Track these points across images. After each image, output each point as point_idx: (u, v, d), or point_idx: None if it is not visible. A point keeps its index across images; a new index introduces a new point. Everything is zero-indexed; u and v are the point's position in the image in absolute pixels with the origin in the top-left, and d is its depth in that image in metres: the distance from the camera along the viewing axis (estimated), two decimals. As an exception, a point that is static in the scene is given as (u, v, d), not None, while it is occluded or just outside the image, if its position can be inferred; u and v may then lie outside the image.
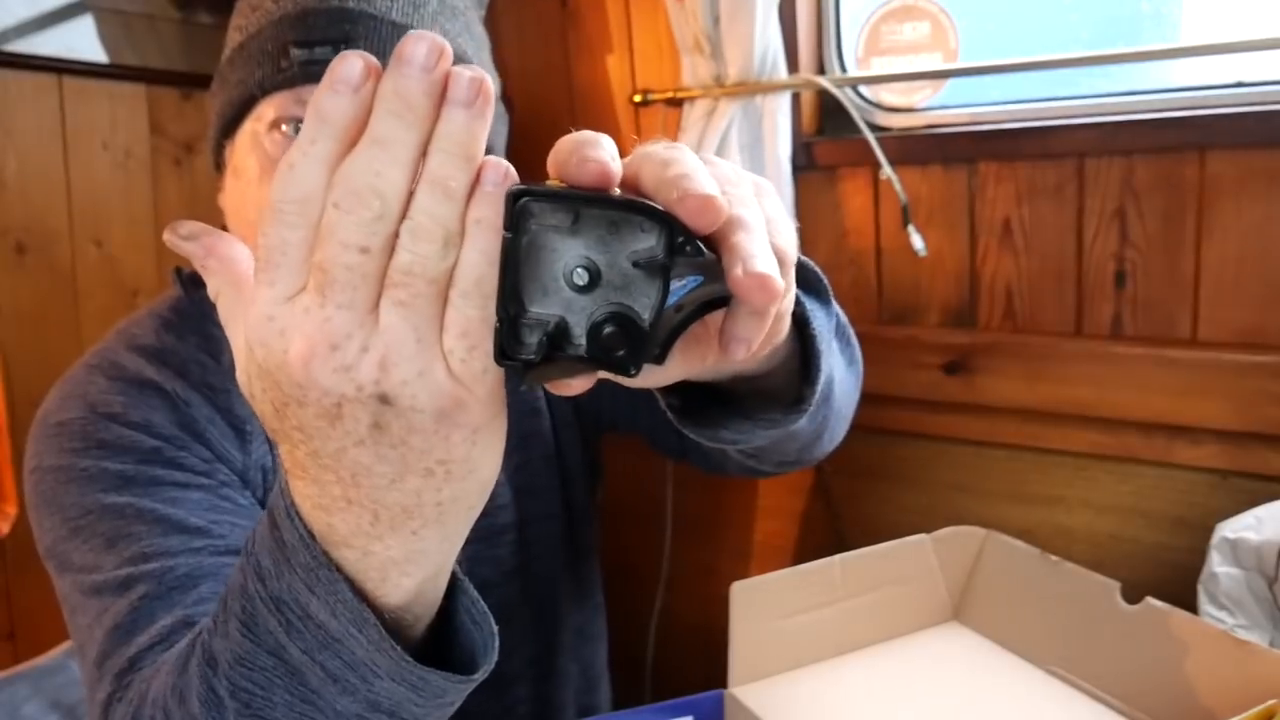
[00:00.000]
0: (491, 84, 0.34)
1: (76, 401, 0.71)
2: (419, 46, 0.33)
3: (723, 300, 0.39)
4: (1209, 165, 0.88)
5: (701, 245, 0.36)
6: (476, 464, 0.38)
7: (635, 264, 0.36)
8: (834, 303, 0.66)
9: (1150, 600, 0.74)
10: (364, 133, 0.34)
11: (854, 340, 0.76)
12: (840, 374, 0.68)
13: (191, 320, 0.78)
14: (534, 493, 0.87)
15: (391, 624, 0.40)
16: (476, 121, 0.34)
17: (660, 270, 0.36)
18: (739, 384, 0.55)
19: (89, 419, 0.69)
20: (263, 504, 0.71)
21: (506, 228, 0.35)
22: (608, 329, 0.36)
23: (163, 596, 0.59)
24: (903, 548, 0.87)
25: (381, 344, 0.34)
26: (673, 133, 1.20)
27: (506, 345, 0.35)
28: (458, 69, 0.34)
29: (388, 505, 0.37)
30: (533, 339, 0.36)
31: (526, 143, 1.46)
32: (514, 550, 0.85)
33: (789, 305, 0.46)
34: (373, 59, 0.34)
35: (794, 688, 0.80)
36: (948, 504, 1.05)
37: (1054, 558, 0.83)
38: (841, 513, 1.15)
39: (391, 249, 0.34)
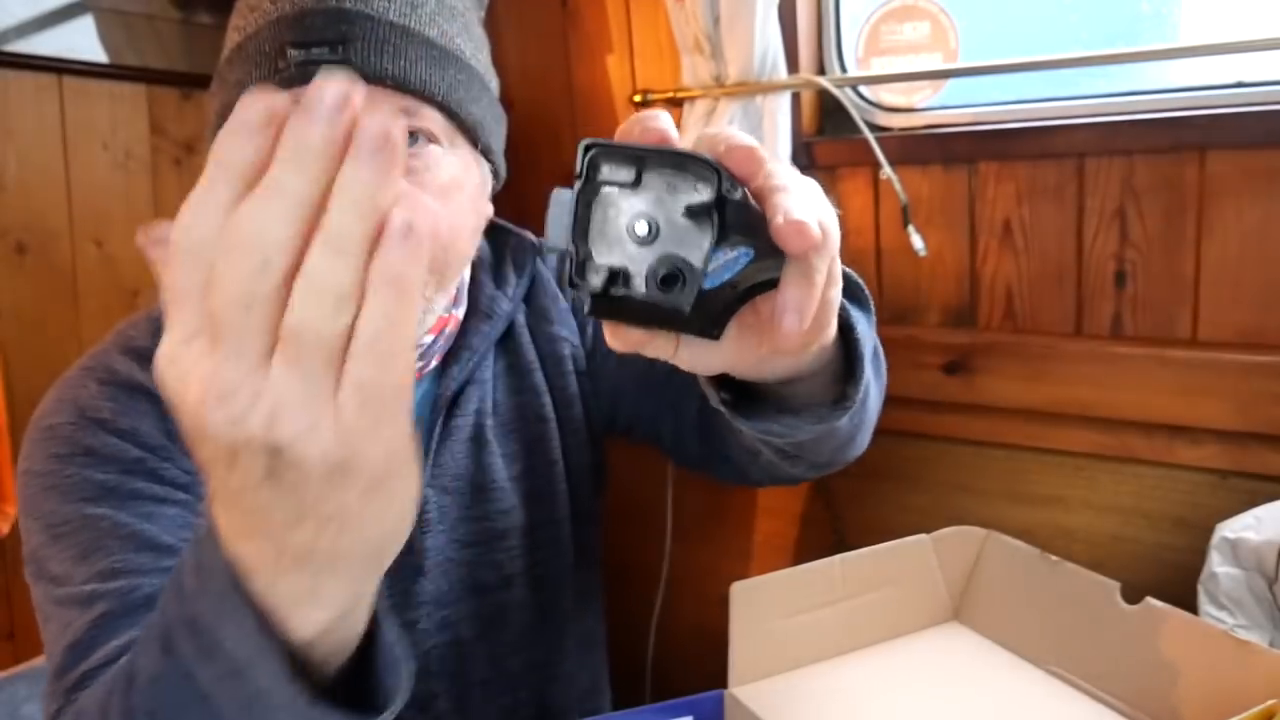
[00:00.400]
0: (399, 135, 0.33)
1: (68, 405, 0.71)
2: (325, 90, 0.32)
3: (773, 282, 0.42)
4: (1209, 165, 0.88)
5: (748, 196, 0.40)
6: (373, 519, 0.36)
7: (689, 215, 0.40)
8: (873, 313, 0.69)
9: (1150, 600, 0.74)
10: (252, 186, 0.32)
11: (881, 353, 0.78)
12: (874, 381, 0.70)
13: None
14: (540, 497, 0.86)
15: (301, 658, 0.40)
16: (380, 175, 0.32)
17: (709, 213, 0.40)
18: (784, 387, 0.58)
19: (77, 424, 0.70)
20: None
21: (577, 177, 0.39)
22: (663, 272, 0.40)
23: (122, 616, 0.61)
24: (903, 548, 0.87)
25: (271, 397, 0.33)
26: (673, 133, 1.20)
27: (575, 278, 0.39)
28: (367, 117, 0.32)
29: (289, 545, 0.36)
30: (597, 278, 0.40)
31: (527, 142, 1.46)
32: (518, 554, 0.85)
33: (836, 296, 0.48)
34: (279, 101, 0.33)
35: (794, 688, 0.80)
36: (948, 504, 1.05)
37: (1054, 558, 0.83)
38: (841, 513, 1.15)
39: (283, 301, 0.32)
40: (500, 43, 1.44)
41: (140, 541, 0.64)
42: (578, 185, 0.39)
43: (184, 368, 0.34)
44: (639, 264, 0.40)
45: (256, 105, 0.33)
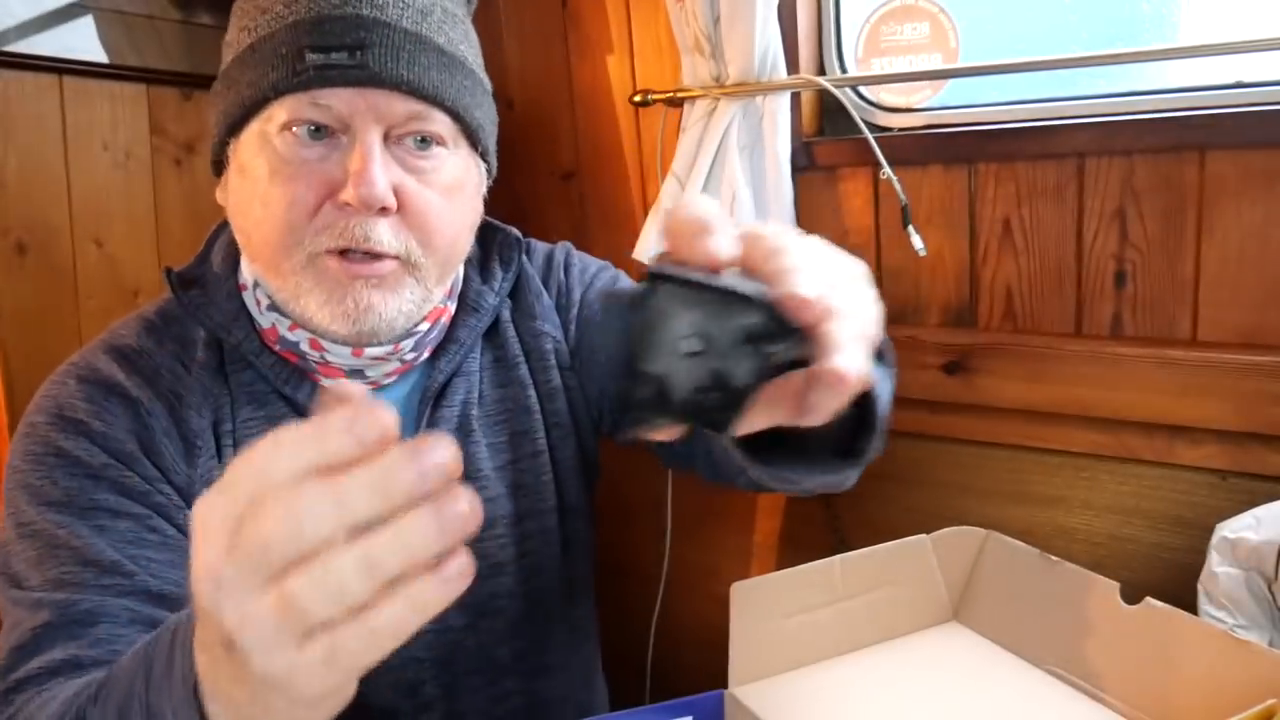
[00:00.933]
0: (476, 513, 0.37)
1: (49, 402, 0.75)
2: (437, 450, 0.36)
3: (803, 361, 0.45)
4: (1209, 165, 0.88)
5: (797, 328, 0.42)
6: (297, 716, 0.41)
7: (738, 338, 0.42)
8: (894, 365, 0.71)
9: (1150, 600, 0.74)
10: (337, 473, 0.35)
11: (889, 395, 0.79)
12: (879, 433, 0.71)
13: (174, 324, 0.81)
14: (526, 488, 0.88)
15: None
16: (443, 539, 0.36)
17: (758, 350, 0.42)
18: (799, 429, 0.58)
19: (53, 423, 0.73)
20: None
21: (640, 293, 0.42)
22: (711, 394, 0.42)
23: (61, 629, 0.65)
24: (903, 548, 0.87)
25: (250, 611, 0.36)
26: (673, 132, 1.20)
27: (623, 400, 0.42)
28: (457, 493, 0.36)
29: (233, 698, 0.42)
30: (646, 389, 0.42)
31: (527, 142, 1.46)
32: (506, 543, 0.86)
33: (861, 365, 0.49)
34: (392, 424, 0.36)
35: (794, 688, 0.80)
36: (948, 504, 1.05)
37: (1054, 558, 0.83)
38: (841, 513, 1.15)
39: (301, 562, 0.35)
40: (500, 43, 1.44)
41: (87, 557, 0.68)
42: (637, 302, 0.42)
43: (210, 526, 0.37)
44: (683, 375, 0.42)
45: (384, 422, 0.36)
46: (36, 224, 1.26)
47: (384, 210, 0.72)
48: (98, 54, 1.29)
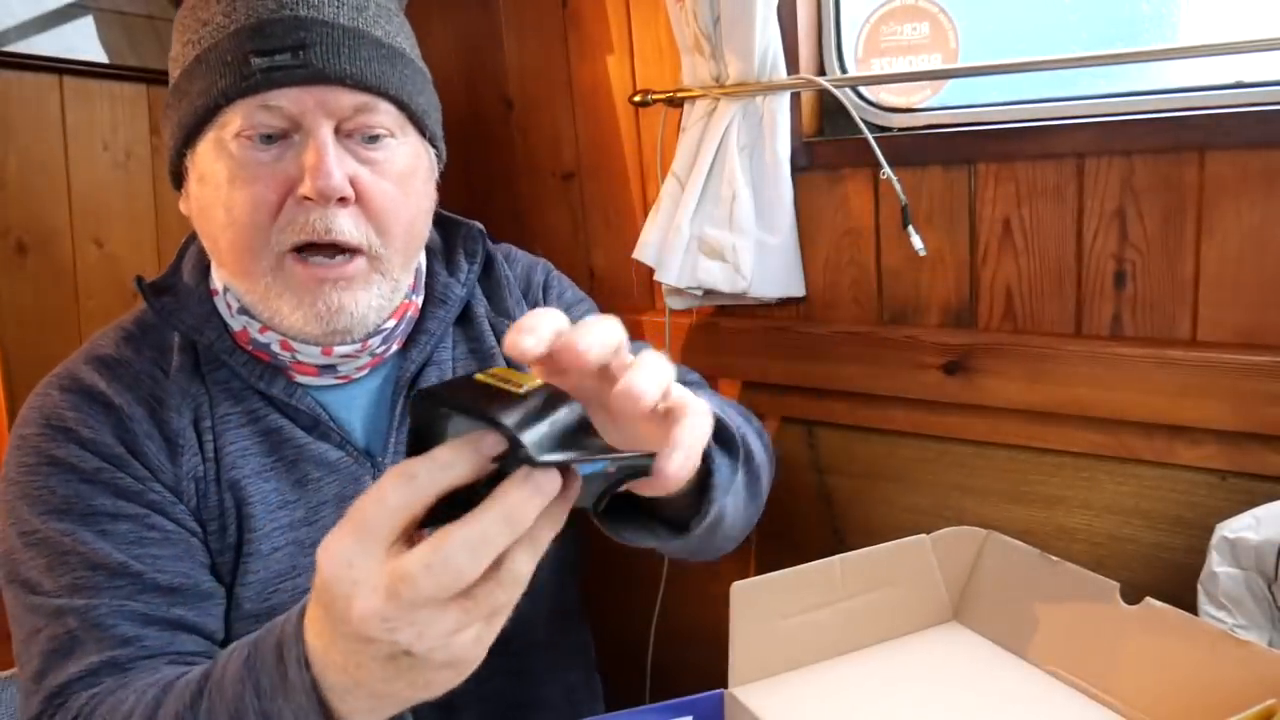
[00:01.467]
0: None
1: (36, 414, 0.78)
2: (548, 481, 0.46)
3: (643, 470, 0.52)
4: (1209, 165, 0.88)
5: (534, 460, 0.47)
6: (450, 683, 0.50)
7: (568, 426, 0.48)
8: (749, 446, 0.80)
9: (1150, 600, 0.74)
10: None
11: (763, 476, 0.87)
12: (737, 504, 0.79)
13: (151, 332, 0.83)
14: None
15: None
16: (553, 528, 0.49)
17: (499, 470, 0.47)
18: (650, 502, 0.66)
19: (44, 433, 0.76)
20: (196, 513, 0.78)
21: (411, 405, 0.52)
22: (456, 509, 0.46)
23: (89, 631, 0.70)
24: (903, 548, 0.87)
25: (424, 627, 0.45)
26: (673, 132, 1.20)
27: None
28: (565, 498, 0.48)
29: (379, 691, 0.49)
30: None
31: (527, 142, 1.46)
32: None
33: (695, 451, 0.57)
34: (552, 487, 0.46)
35: (794, 688, 0.80)
36: (948, 504, 1.05)
37: (1054, 558, 0.83)
38: (841, 513, 1.15)
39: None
40: (500, 43, 1.44)
41: (95, 561, 0.72)
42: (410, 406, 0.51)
43: (356, 578, 0.45)
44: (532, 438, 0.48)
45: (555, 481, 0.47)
46: (36, 224, 1.26)
47: (343, 201, 0.75)
48: (98, 54, 1.29)
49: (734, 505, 0.79)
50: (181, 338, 0.83)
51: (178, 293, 0.84)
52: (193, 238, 0.88)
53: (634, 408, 0.50)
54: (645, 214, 1.23)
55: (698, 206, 1.12)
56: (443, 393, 0.48)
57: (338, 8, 0.76)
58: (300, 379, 0.83)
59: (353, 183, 0.75)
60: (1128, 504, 0.93)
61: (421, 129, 0.83)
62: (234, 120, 0.74)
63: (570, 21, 1.33)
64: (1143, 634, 0.74)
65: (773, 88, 1.08)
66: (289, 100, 0.73)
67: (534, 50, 1.40)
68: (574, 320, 0.95)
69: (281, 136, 0.75)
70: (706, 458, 0.67)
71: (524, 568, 0.47)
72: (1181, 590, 0.80)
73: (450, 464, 0.46)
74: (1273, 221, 0.86)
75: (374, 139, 0.77)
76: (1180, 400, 0.88)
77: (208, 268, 0.85)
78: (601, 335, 0.51)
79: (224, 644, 0.78)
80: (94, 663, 0.69)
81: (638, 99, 1.22)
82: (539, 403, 0.48)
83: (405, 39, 0.82)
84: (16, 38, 1.21)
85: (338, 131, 0.75)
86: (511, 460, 0.47)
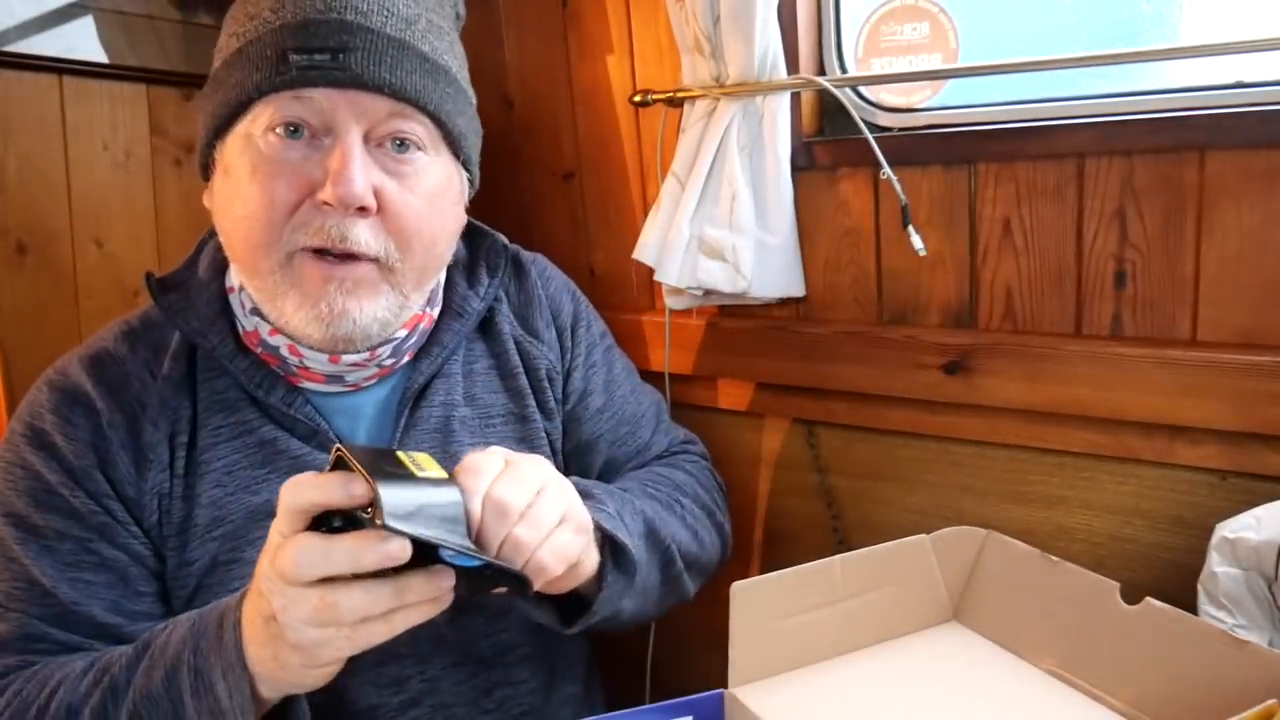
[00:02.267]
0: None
1: (26, 410, 0.79)
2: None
3: (523, 585, 0.65)
4: (1209, 165, 0.88)
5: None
6: (301, 672, 0.63)
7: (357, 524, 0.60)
8: (676, 551, 0.90)
9: (1150, 600, 0.74)
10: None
11: (692, 574, 0.94)
12: (645, 603, 0.87)
13: (153, 330, 0.83)
14: None
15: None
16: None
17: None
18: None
19: (25, 433, 0.78)
20: (156, 529, 0.79)
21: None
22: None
23: (11, 642, 0.74)
24: (903, 548, 0.87)
25: (295, 611, 0.60)
26: (673, 132, 1.20)
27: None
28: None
29: (259, 654, 0.64)
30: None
31: (528, 142, 1.46)
32: None
33: (579, 576, 0.75)
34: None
35: (794, 688, 0.80)
36: (948, 504, 1.05)
37: (1054, 558, 0.83)
38: (841, 513, 1.15)
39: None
40: (500, 43, 1.44)
41: (32, 577, 0.75)
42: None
43: (270, 539, 0.62)
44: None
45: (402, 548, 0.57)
46: (36, 224, 1.26)
47: (363, 210, 0.74)
48: (98, 54, 1.29)
49: (637, 605, 0.85)
50: (180, 342, 0.82)
51: (189, 289, 0.83)
52: (211, 234, 0.87)
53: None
54: (645, 214, 1.23)
55: (698, 206, 1.12)
56: (357, 453, 0.59)
57: (386, 17, 0.75)
58: (306, 385, 0.82)
59: (377, 193, 0.74)
60: (1128, 504, 0.93)
61: (456, 150, 0.82)
62: (264, 113, 0.73)
63: (570, 21, 1.33)
64: (1143, 634, 0.74)
65: (773, 88, 1.08)
66: (322, 96, 0.73)
67: (534, 50, 1.40)
68: (597, 363, 1.01)
69: (311, 135, 0.74)
70: (601, 572, 0.77)
71: (375, 602, 0.58)
72: (1181, 590, 0.80)
73: (323, 486, 0.58)
74: (1273, 221, 0.86)
75: (404, 146, 0.76)
76: (1180, 400, 0.88)
77: (224, 265, 0.84)
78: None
79: None
80: (11, 662, 0.73)
81: (638, 99, 1.22)
82: (423, 486, 0.59)
83: (454, 59, 0.81)
84: (16, 37, 1.21)
85: (368, 140, 0.75)
86: (375, 515, 0.56)
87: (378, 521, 0.55)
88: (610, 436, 1.00)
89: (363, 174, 0.73)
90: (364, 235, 0.74)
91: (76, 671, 0.71)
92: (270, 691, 0.65)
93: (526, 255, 0.99)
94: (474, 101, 0.85)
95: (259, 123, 0.74)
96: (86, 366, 0.80)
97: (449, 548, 0.59)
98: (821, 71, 1.16)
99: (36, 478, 0.76)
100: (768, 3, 1.05)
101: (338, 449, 0.60)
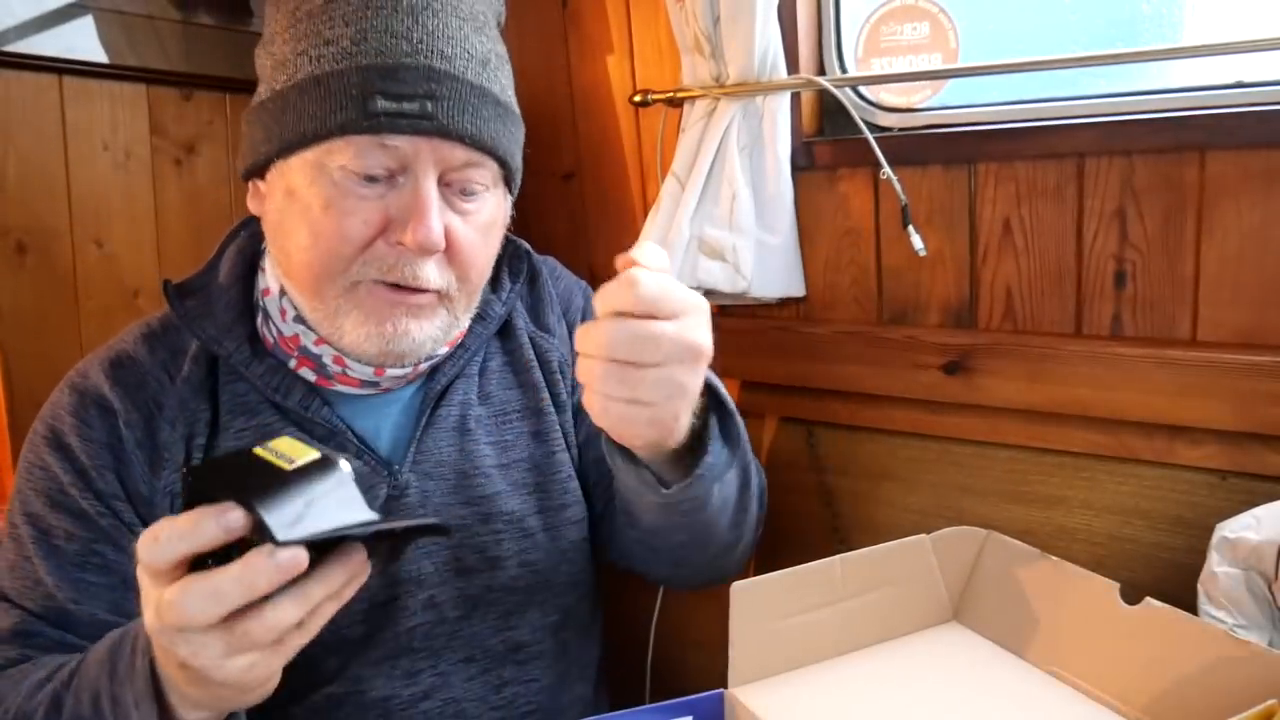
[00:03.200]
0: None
1: (48, 410, 0.81)
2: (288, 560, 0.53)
3: (442, 530, 0.61)
4: (1209, 165, 0.88)
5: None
6: (243, 700, 0.61)
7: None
8: (748, 456, 0.88)
9: (1150, 600, 0.74)
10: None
11: (753, 495, 0.91)
12: (725, 499, 0.83)
13: (171, 333, 0.84)
14: (531, 486, 0.90)
15: None
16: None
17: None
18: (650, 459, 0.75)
19: (45, 434, 0.80)
20: None
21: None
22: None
23: (14, 637, 0.75)
24: (903, 548, 0.87)
25: (196, 646, 0.55)
26: (673, 132, 1.20)
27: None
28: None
29: (185, 693, 0.60)
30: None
31: (528, 142, 1.46)
32: (505, 538, 0.88)
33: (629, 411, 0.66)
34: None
35: (794, 688, 0.80)
36: (948, 504, 1.05)
37: (1054, 558, 0.83)
38: (841, 513, 1.15)
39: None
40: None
41: (39, 576, 0.76)
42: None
43: (144, 596, 0.57)
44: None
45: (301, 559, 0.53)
46: (36, 224, 1.26)
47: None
48: (98, 54, 1.29)
49: (721, 498, 0.81)
50: (199, 346, 0.83)
51: (209, 294, 0.84)
52: (233, 236, 0.88)
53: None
54: (645, 214, 1.23)
55: (698, 206, 1.12)
56: (209, 472, 0.55)
57: (467, 62, 0.76)
58: (338, 388, 0.83)
59: (446, 233, 0.76)
60: (1128, 504, 0.93)
61: (510, 184, 0.85)
62: (343, 151, 0.73)
63: (570, 21, 1.33)
64: (1143, 634, 0.74)
65: (773, 88, 1.08)
66: (406, 143, 0.73)
67: (534, 50, 1.40)
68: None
69: (387, 174, 0.75)
70: (701, 435, 0.74)
71: (286, 616, 0.54)
72: (1181, 590, 0.80)
73: (189, 533, 0.52)
74: (1273, 221, 0.86)
75: (472, 189, 0.79)
76: (1180, 400, 0.88)
77: (247, 269, 0.85)
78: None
79: None
80: (13, 656, 0.75)
81: (638, 99, 1.22)
82: (303, 479, 0.53)
83: (511, 89, 0.84)
84: (16, 38, 1.21)
85: (439, 181, 0.76)
86: (261, 537, 0.51)
87: (268, 541, 0.51)
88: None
89: (439, 220, 0.75)
90: (433, 274, 0.77)
91: (34, 681, 0.71)
92: (216, 715, 0.64)
93: (538, 257, 1.00)
94: (519, 114, 0.87)
95: (335, 157, 0.74)
96: (106, 368, 0.81)
97: (353, 533, 0.54)
98: (821, 71, 1.16)
99: (53, 478, 0.78)
100: (768, 3, 1.05)
101: (185, 471, 0.56)
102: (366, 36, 0.73)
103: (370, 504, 0.55)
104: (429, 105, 0.73)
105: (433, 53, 0.74)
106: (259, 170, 0.80)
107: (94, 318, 1.30)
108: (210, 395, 0.82)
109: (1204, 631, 0.70)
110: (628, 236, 1.26)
